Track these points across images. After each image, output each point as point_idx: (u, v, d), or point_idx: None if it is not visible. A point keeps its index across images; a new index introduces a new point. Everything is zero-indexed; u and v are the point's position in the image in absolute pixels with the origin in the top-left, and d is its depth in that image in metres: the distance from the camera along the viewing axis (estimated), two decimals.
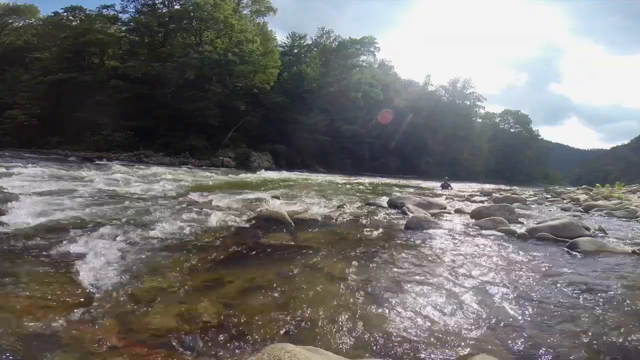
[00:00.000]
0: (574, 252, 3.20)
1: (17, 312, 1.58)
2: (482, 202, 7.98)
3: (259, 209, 4.20)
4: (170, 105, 27.79)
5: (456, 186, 17.55)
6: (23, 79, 29.25)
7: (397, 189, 12.92)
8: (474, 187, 20.08)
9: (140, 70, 28.15)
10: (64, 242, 2.58)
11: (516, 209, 5.50)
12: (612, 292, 2.21)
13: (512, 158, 55.95)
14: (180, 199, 5.22)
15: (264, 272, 2.36)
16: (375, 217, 4.76)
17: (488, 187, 20.58)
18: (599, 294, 2.17)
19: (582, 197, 10.54)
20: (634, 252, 3.25)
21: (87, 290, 1.88)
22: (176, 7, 32.12)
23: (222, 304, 1.84)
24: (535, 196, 12.71)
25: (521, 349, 1.56)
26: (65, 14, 33.88)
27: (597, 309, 1.97)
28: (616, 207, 7.30)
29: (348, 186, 12.30)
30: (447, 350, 1.53)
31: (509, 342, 1.61)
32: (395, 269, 2.53)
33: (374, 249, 3.06)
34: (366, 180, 19.36)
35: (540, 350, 1.55)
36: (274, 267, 2.46)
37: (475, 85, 53.48)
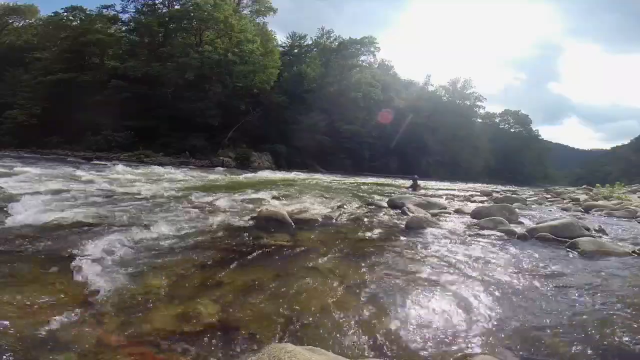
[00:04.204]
0: (574, 252, 3.21)
1: (17, 312, 1.58)
2: (482, 202, 7.98)
3: (259, 209, 4.20)
4: (170, 105, 27.77)
5: (450, 186, 17.52)
6: (23, 79, 29.27)
7: (390, 188, 12.93)
8: (469, 187, 20.06)
9: (140, 70, 28.13)
10: (64, 242, 2.58)
11: (516, 209, 5.51)
12: (612, 292, 2.21)
13: (512, 158, 55.84)
14: (180, 199, 5.22)
15: (264, 272, 2.35)
16: (376, 217, 4.76)
17: (488, 187, 20.58)
18: (599, 294, 2.17)
19: (582, 197, 10.56)
20: (634, 252, 3.25)
21: (87, 290, 1.88)
22: (176, 7, 32.12)
23: (221, 304, 1.84)
24: (536, 196, 12.73)
25: (521, 349, 1.56)
26: (65, 14, 33.91)
27: (597, 308, 1.97)
28: (616, 207, 7.31)
29: (348, 186, 12.30)
30: (447, 350, 1.53)
31: (509, 342, 1.61)
32: (395, 269, 2.53)
33: (374, 249, 3.06)
34: (365, 180, 19.38)
35: (540, 350, 1.55)
36: (274, 267, 2.46)
37: (475, 86, 53.47)
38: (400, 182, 18.17)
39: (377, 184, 15.27)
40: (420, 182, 13.43)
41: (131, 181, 7.38)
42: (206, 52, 28.70)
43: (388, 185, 15.15)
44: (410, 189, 11.87)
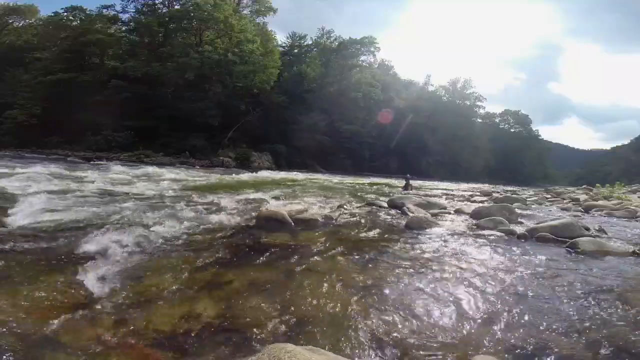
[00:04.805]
0: (574, 252, 3.21)
1: (17, 312, 1.58)
2: (482, 202, 7.98)
3: (259, 209, 4.20)
4: (170, 105, 27.79)
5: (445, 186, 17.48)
6: (23, 79, 29.30)
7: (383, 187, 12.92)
8: (469, 187, 20.06)
9: (140, 70, 28.14)
10: (64, 242, 2.58)
11: (516, 209, 5.50)
12: (611, 292, 2.21)
13: (512, 158, 55.83)
14: (180, 199, 5.22)
15: (264, 272, 2.36)
16: (376, 217, 4.76)
17: (488, 187, 20.58)
18: (599, 294, 2.17)
19: (582, 197, 10.56)
20: (634, 252, 3.25)
21: (87, 290, 1.88)
22: (176, 7, 32.13)
23: (222, 304, 1.84)
24: (536, 196, 12.72)
25: (521, 349, 1.56)
26: (65, 14, 33.95)
27: (597, 309, 1.97)
28: (616, 207, 7.31)
29: (348, 186, 12.30)
30: (447, 350, 1.53)
31: (509, 342, 1.61)
32: (395, 269, 2.52)
33: (374, 249, 3.06)
34: (365, 180, 19.38)
35: (540, 350, 1.55)
36: (274, 267, 2.46)
37: (475, 86, 53.49)
38: (402, 182, 18.19)
39: (377, 184, 15.28)
40: (418, 182, 13.38)
41: (131, 181, 7.39)
42: (206, 52, 28.71)
43: (388, 185, 15.17)
44: (403, 189, 11.77)
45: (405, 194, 9.31)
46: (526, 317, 1.84)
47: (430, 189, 14.76)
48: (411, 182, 12.55)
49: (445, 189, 15.07)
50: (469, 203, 7.60)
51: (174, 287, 2.02)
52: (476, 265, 2.70)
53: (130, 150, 24.72)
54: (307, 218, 4.17)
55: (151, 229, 3.11)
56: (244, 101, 30.77)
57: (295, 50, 43.04)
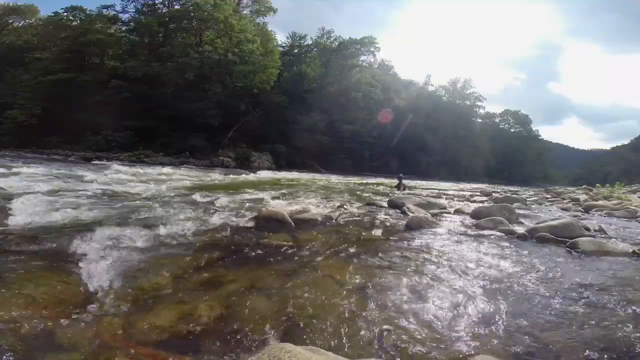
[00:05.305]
0: (574, 252, 3.21)
1: (17, 312, 1.58)
2: (482, 202, 7.98)
3: (259, 209, 4.20)
4: (170, 105, 27.81)
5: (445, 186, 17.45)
6: (23, 79, 29.35)
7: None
8: (469, 187, 20.05)
9: (140, 70, 28.16)
10: (64, 242, 2.58)
11: (516, 209, 5.50)
12: (611, 292, 2.21)
13: (512, 158, 55.84)
14: (180, 199, 5.22)
15: (264, 272, 2.35)
16: (376, 217, 4.76)
17: (488, 187, 20.59)
18: (599, 294, 2.17)
19: (582, 197, 10.57)
20: (634, 252, 3.25)
21: (87, 290, 1.88)
22: (176, 7, 32.16)
23: (222, 304, 1.84)
24: (536, 196, 12.73)
25: (521, 349, 1.56)
26: (65, 14, 34.01)
27: (597, 309, 1.97)
28: (616, 207, 7.31)
29: (348, 186, 12.30)
30: (447, 351, 1.53)
31: (509, 342, 1.61)
32: (395, 270, 2.52)
33: (374, 249, 3.06)
34: (365, 180, 19.38)
35: (540, 351, 1.55)
36: (274, 267, 2.46)
37: (475, 86, 53.62)
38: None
39: (377, 184, 15.29)
40: (419, 182, 13.33)
41: (131, 181, 7.39)
42: (206, 52, 28.73)
43: (388, 185, 15.17)
44: (396, 190, 11.69)
45: (398, 194, 9.27)
46: (526, 317, 1.84)
47: (426, 188, 14.75)
48: (404, 181, 12.45)
49: (445, 189, 15.07)
50: (469, 203, 7.61)
51: (173, 287, 2.02)
52: (476, 265, 2.70)
53: (130, 150, 24.73)
54: (307, 218, 4.17)
55: (150, 228, 3.11)
56: (244, 101, 30.81)
57: (295, 50, 43.06)
